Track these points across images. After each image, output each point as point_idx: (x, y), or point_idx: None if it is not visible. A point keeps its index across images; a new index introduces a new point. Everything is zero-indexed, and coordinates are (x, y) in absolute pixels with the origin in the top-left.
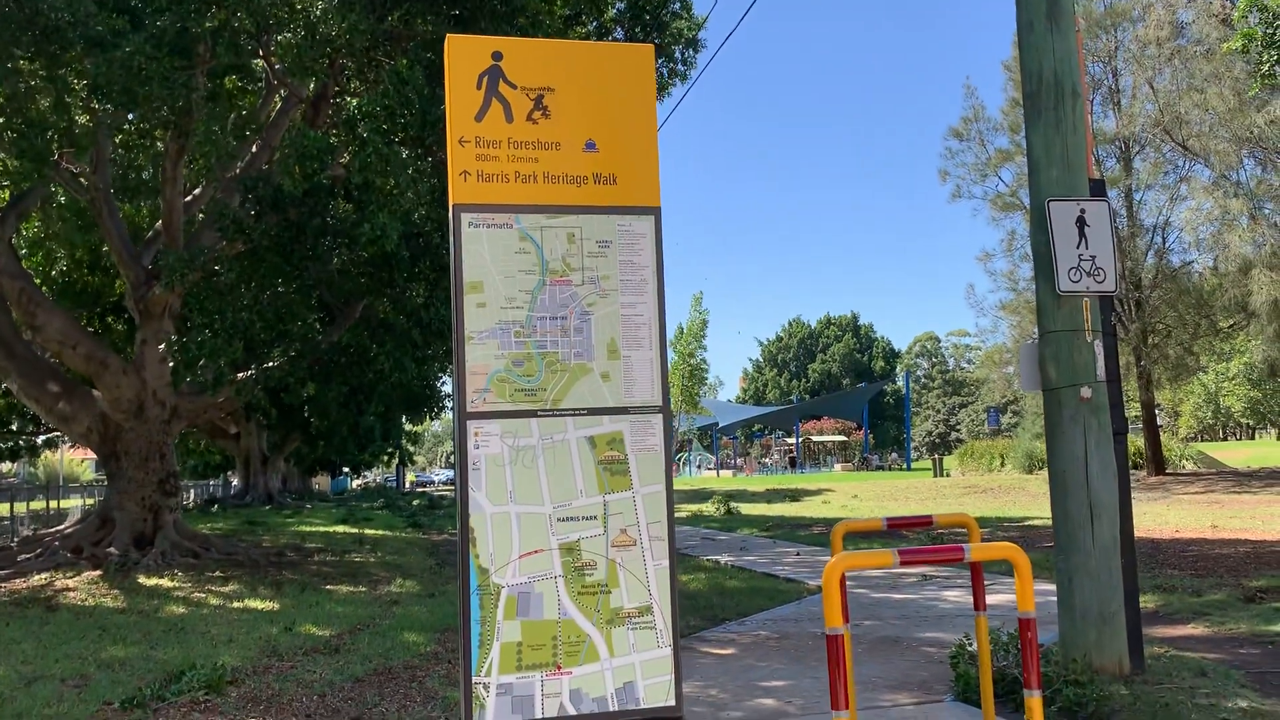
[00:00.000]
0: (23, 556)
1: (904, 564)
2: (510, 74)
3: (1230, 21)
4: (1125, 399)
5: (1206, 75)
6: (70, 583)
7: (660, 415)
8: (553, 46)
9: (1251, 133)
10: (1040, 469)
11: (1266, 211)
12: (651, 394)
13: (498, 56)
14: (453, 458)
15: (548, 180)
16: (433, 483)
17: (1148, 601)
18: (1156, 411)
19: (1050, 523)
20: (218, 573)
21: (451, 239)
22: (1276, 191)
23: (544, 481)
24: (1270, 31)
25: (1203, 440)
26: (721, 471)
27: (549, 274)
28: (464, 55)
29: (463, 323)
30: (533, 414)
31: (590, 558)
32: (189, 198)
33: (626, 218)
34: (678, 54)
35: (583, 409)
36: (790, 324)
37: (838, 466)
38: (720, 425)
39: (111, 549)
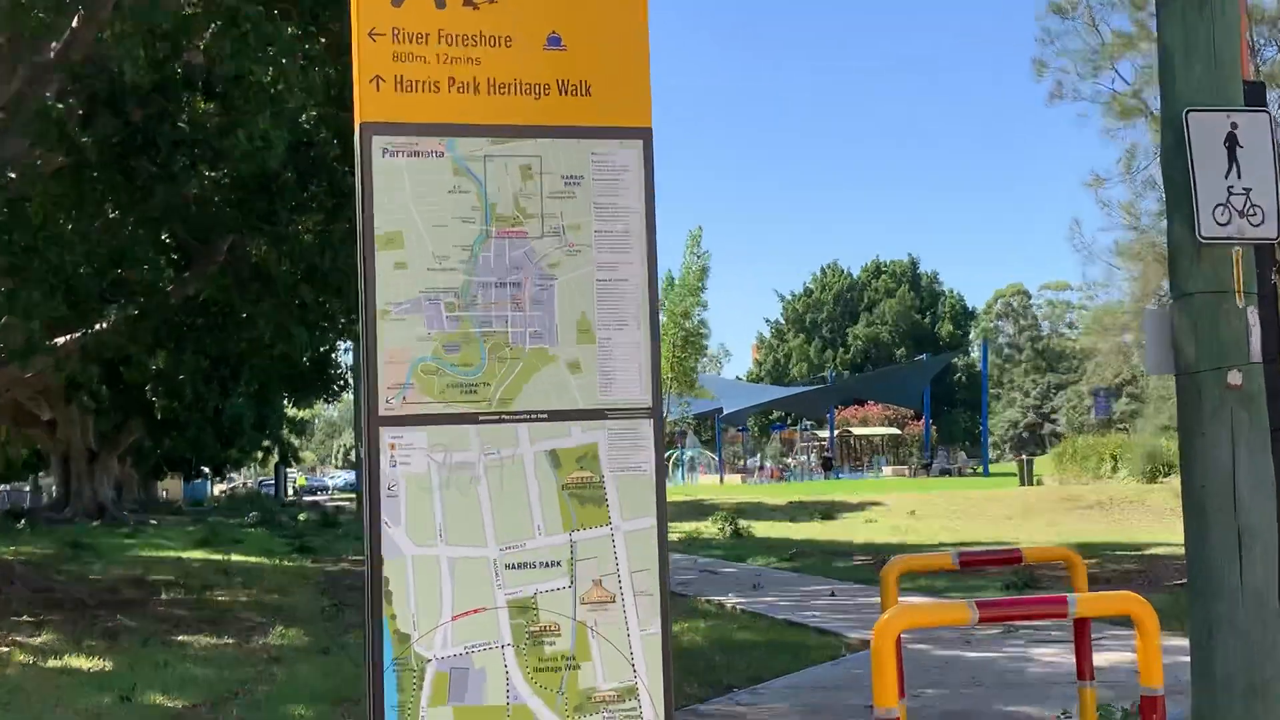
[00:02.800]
0: None
1: (985, 620)
2: None
3: None
4: None
5: None
6: None
7: (651, 421)
8: None
9: None
10: (1167, 476)
11: None
12: (639, 391)
13: None
14: (354, 454)
15: (494, 90)
16: (326, 489)
17: None
18: None
19: (1182, 552)
20: (25, 617)
21: (359, 171)
22: None
23: (488, 514)
24: None
25: None
26: (727, 476)
27: (496, 222)
28: None
29: (374, 291)
30: (472, 419)
31: (551, 619)
32: None
33: (605, 143)
34: None
35: (542, 412)
36: (824, 272)
37: (888, 470)
38: (725, 412)
39: None
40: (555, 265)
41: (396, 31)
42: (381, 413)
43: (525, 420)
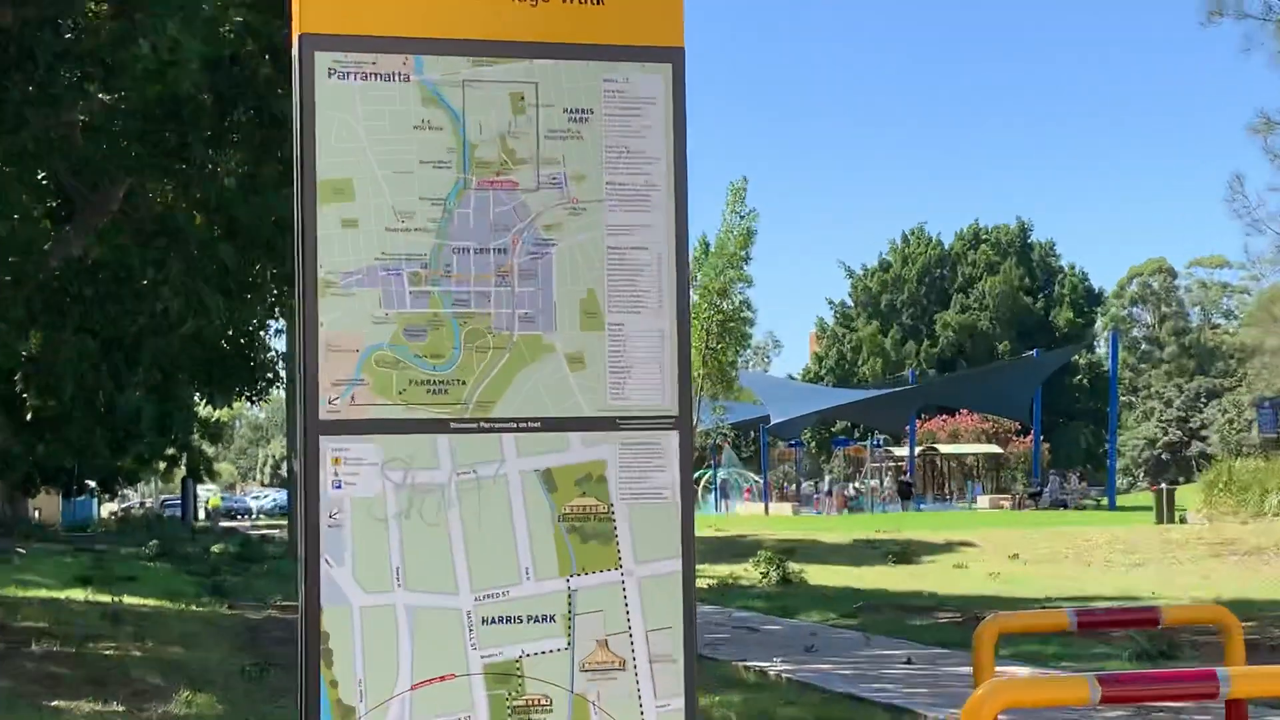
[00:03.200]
0: None
1: (1109, 700)
2: None
3: None
4: None
5: None
6: None
7: (676, 433)
8: None
9: None
10: None
11: None
12: (661, 393)
13: None
14: (285, 468)
15: None
16: (248, 512)
17: None
18: None
19: None
20: None
21: (297, 99)
22: None
23: (460, 551)
24: None
25: None
26: (774, 505)
27: (476, 169)
28: None
29: (314, 257)
30: (442, 426)
31: (540, 691)
32: None
33: (622, 67)
34: None
35: (534, 419)
36: (907, 239)
37: (984, 500)
38: (774, 421)
39: None
40: (554, 227)
41: None
42: (323, 417)
43: (511, 429)
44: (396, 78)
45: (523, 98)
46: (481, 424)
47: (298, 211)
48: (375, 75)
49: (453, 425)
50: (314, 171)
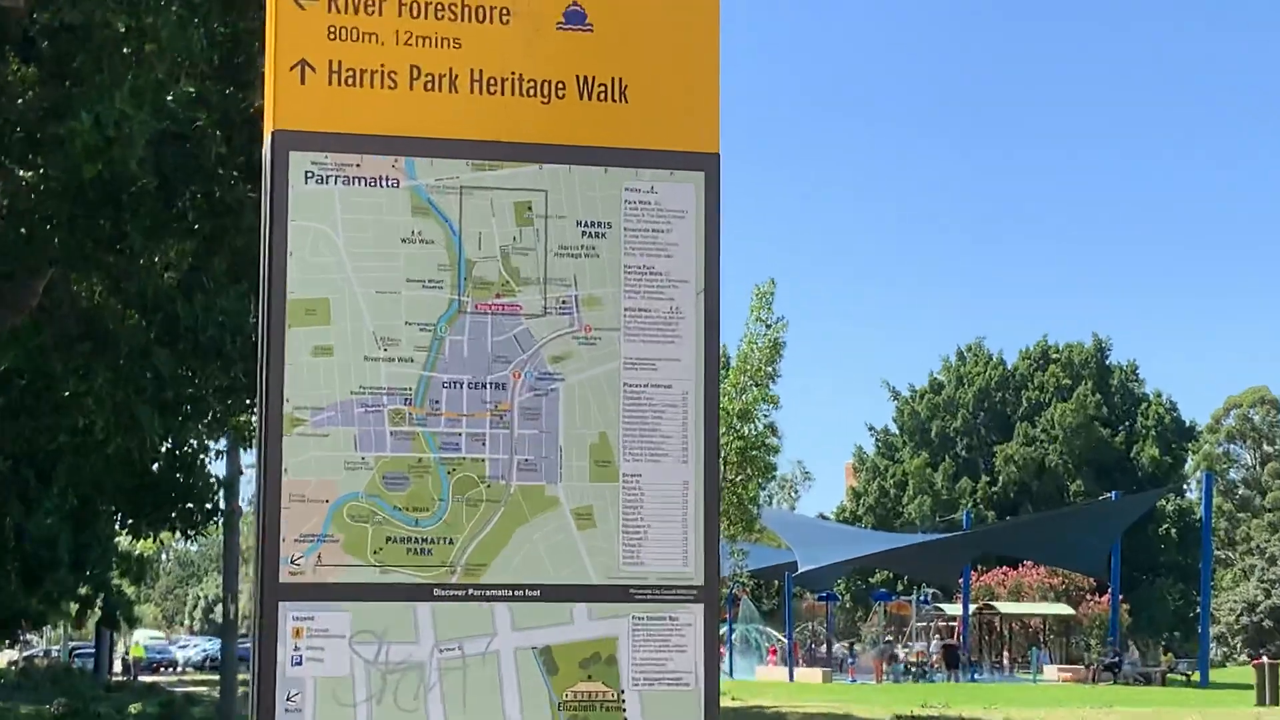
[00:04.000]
0: None
1: None
2: None
3: None
4: None
5: None
6: None
7: (701, 606)
8: None
9: None
10: None
11: None
12: (685, 558)
13: None
14: (220, 610)
15: (481, 87)
16: (174, 665)
17: None
18: None
19: None
20: None
21: (267, 202)
22: None
23: None
24: None
25: None
26: (801, 669)
27: (473, 290)
28: None
29: (280, 387)
30: (424, 593)
31: None
32: None
33: (646, 174)
34: None
35: (532, 586)
36: (963, 357)
37: (1052, 670)
38: (802, 569)
39: None
40: (562, 359)
41: None
42: (283, 579)
43: (506, 598)
44: (384, 182)
45: (529, 208)
46: (470, 591)
47: (263, 335)
48: (359, 179)
49: (436, 592)
50: (283, 290)
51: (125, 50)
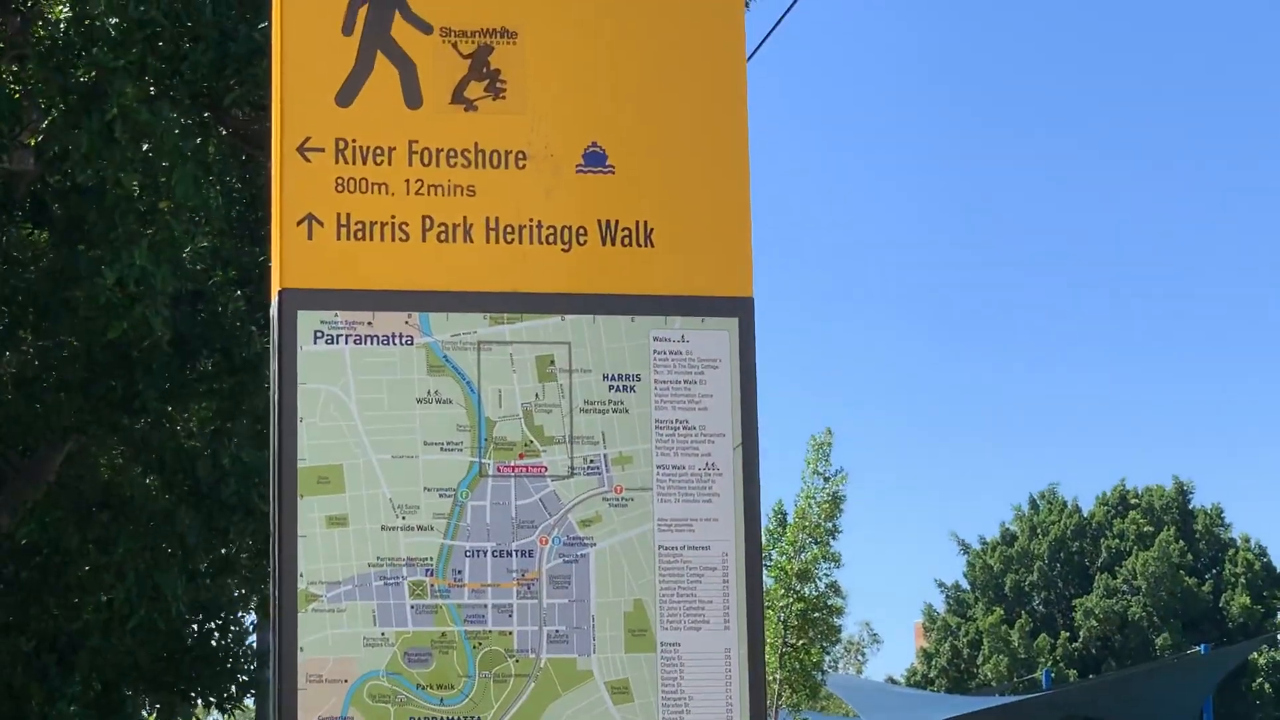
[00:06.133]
0: None
1: None
2: (417, 2)
3: None
4: None
5: None
6: None
7: None
8: None
9: None
10: None
11: None
12: None
13: None
14: None
15: (496, 236)
16: None
17: None
18: None
19: None
20: None
21: (275, 364)
22: None
23: None
24: None
25: None
26: None
27: (494, 451)
28: None
29: (293, 562)
30: None
31: None
32: None
33: (675, 322)
34: None
35: None
36: (1035, 504)
37: None
38: None
39: None
40: (592, 523)
41: (343, 144)
42: None
43: None
44: (398, 340)
45: (552, 362)
46: None
47: (274, 507)
48: (371, 338)
49: None
50: (294, 458)
51: (140, 208)
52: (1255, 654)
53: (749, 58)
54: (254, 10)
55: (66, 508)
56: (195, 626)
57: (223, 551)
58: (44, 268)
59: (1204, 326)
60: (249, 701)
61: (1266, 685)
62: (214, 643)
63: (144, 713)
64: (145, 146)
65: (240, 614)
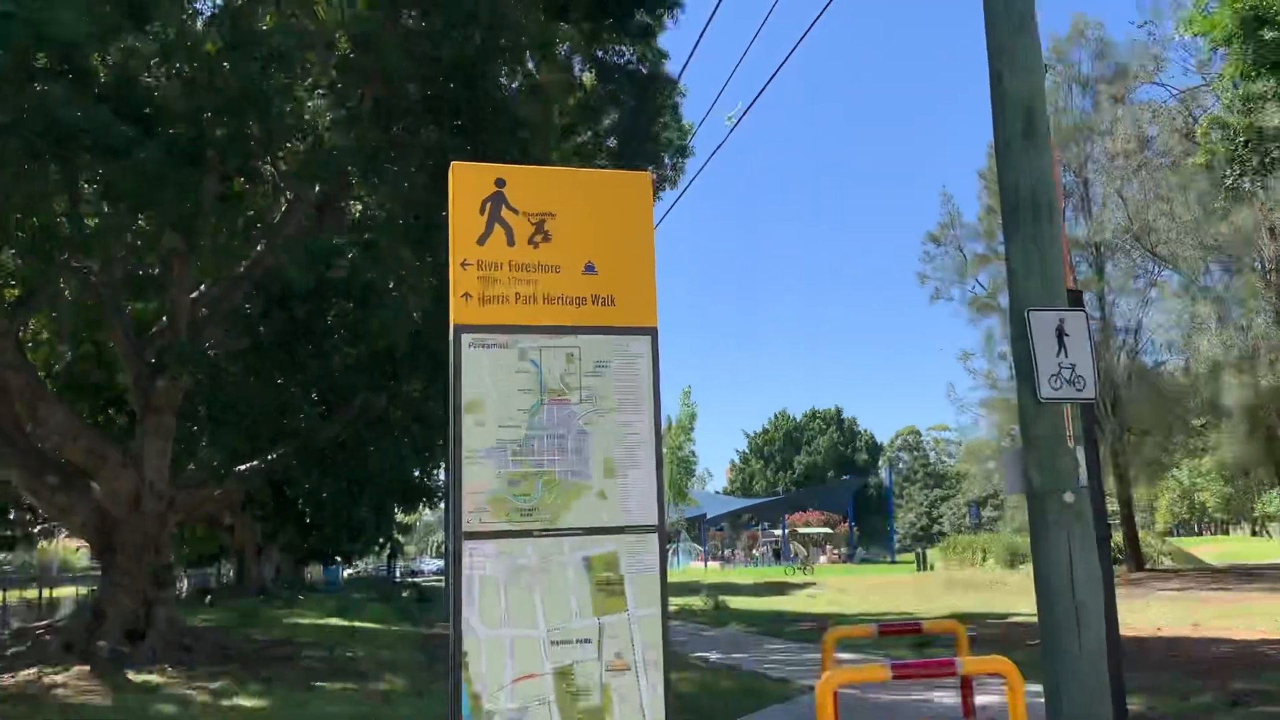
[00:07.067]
0: (13, 649)
1: (898, 677)
2: (513, 199)
3: (1193, 136)
4: (1103, 495)
5: (1173, 186)
6: (59, 678)
7: (656, 535)
8: (554, 174)
9: (1217, 240)
10: (1022, 563)
11: (1234, 315)
12: (648, 512)
13: (500, 183)
14: (443, 547)
15: (547, 301)
16: (422, 573)
17: (1134, 704)
18: (1134, 508)
19: (1034, 619)
20: (208, 668)
21: (451, 359)
22: (1242, 296)
23: (539, 604)
24: (1232, 147)
25: (1178, 535)
26: (710, 563)
27: (547, 393)
28: (468, 182)
29: (461, 441)
30: (529, 534)
31: (584, 682)
32: (194, 294)
33: (624, 338)
34: (667, 161)
35: (579, 528)
36: (776, 417)
37: (823, 559)
38: (708, 516)
39: (102, 643)
40: (589, 423)
41: (481, 262)
42: (465, 529)
43: (568, 534)
44: (504, 347)
45: (572, 355)
46: (552, 532)
47: (451, 417)
48: (494, 346)
49: (535, 534)
50: (460, 396)
51: (391, 294)
52: (869, 480)
53: (656, 225)
54: (443, 192)
55: (361, 425)
56: (417, 476)
57: (431, 445)
58: (350, 316)
59: (860, 325)
60: (440, 506)
61: (875, 494)
62: (426, 481)
63: (396, 510)
64: (396, 265)
65: (437, 467)
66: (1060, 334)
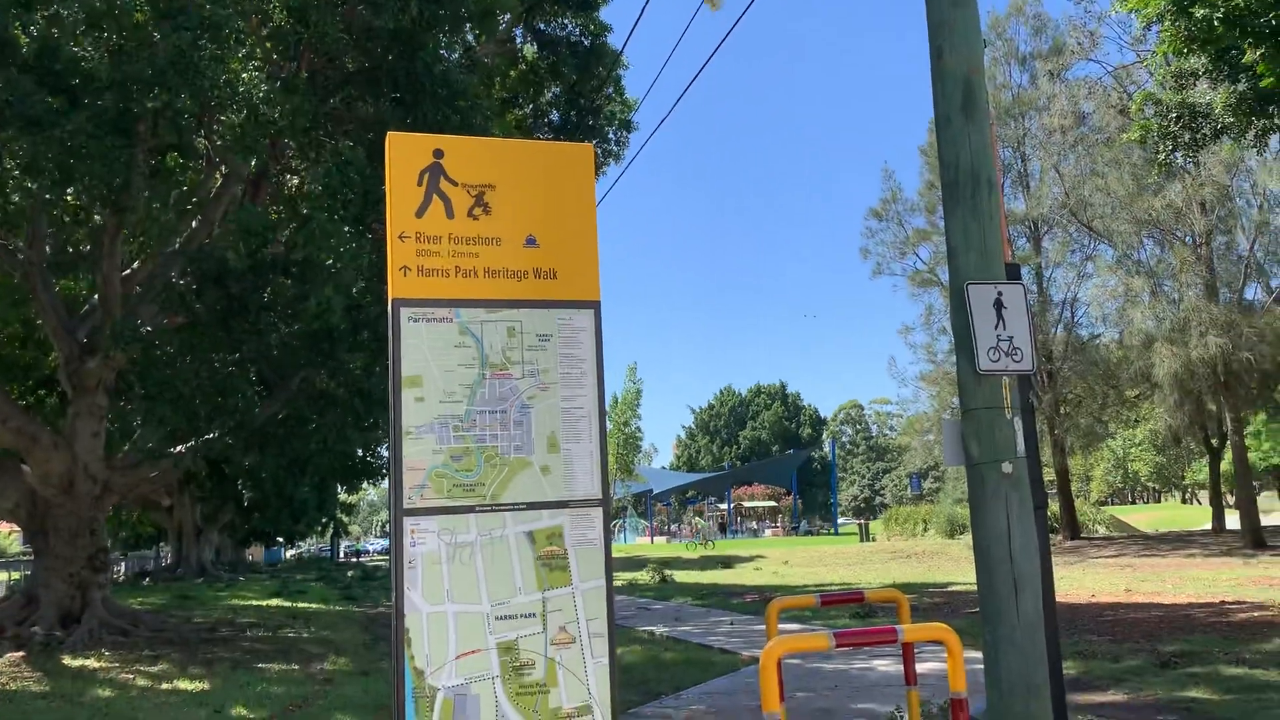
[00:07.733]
0: None
1: (841, 645)
2: (451, 171)
3: (1127, 112)
4: (1040, 465)
5: (1107, 161)
6: None
7: (600, 508)
8: (494, 145)
9: (1150, 215)
10: (961, 534)
11: (1166, 289)
12: (591, 487)
13: (439, 154)
14: (387, 527)
15: (488, 275)
16: (367, 553)
17: (1070, 668)
18: (1069, 477)
19: (973, 588)
20: (147, 651)
21: (390, 332)
22: (1174, 270)
23: (482, 579)
24: (1164, 124)
25: (1113, 504)
26: (656, 538)
27: (489, 368)
28: (406, 152)
29: (400, 417)
30: (471, 510)
31: (529, 657)
32: (126, 272)
33: (567, 311)
34: (611, 135)
35: (522, 503)
36: (721, 392)
37: (768, 532)
38: (655, 492)
39: (36, 628)
40: (532, 398)
41: (419, 235)
42: (405, 506)
43: (510, 509)
44: (445, 320)
45: (514, 329)
46: (494, 507)
47: (390, 393)
48: (433, 319)
49: (478, 509)
50: (399, 371)
51: (329, 270)
52: (813, 453)
53: (601, 199)
54: (381, 166)
55: (302, 401)
56: (361, 454)
57: (373, 423)
58: (289, 294)
59: (805, 301)
60: (383, 485)
61: (818, 466)
62: (370, 459)
63: (339, 490)
64: (332, 240)
65: (380, 444)
66: (999, 307)
